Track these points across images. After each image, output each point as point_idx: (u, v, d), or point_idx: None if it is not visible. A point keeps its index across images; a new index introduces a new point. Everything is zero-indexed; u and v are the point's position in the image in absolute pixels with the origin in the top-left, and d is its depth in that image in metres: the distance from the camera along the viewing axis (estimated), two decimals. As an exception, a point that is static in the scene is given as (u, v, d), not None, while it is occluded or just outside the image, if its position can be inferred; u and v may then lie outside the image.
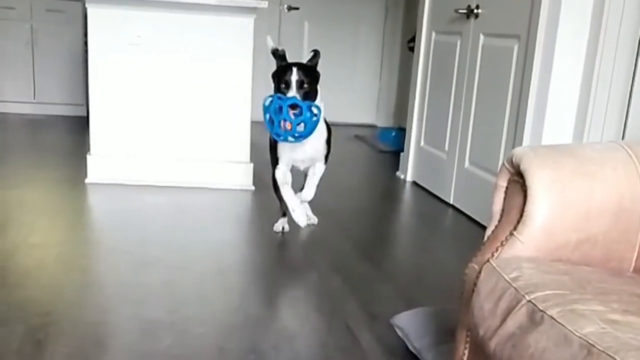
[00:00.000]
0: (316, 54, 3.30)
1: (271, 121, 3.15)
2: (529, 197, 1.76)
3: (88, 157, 4.52)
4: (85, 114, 5.95)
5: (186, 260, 3.24)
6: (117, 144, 4.54)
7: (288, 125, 3.11)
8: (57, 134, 6.37)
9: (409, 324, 2.49)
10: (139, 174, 4.53)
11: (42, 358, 2.31)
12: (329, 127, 3.46)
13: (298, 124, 3.13)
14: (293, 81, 3.11)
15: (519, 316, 1.54)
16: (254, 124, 4.59)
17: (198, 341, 2.47)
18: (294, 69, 3.13)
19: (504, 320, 1.58)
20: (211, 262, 3.23)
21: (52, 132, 6.45)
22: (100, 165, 4.51)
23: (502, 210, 1.87)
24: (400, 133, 5.86)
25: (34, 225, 3.72)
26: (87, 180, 4.50)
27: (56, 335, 2.47)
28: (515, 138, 3.73)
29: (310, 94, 3.16)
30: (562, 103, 3.45)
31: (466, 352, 1.87)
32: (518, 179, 1.81)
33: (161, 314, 2.67)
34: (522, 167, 1.78)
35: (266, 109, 3.15)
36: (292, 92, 3.09)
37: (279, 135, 3.17)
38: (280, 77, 3.15)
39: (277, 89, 3.16)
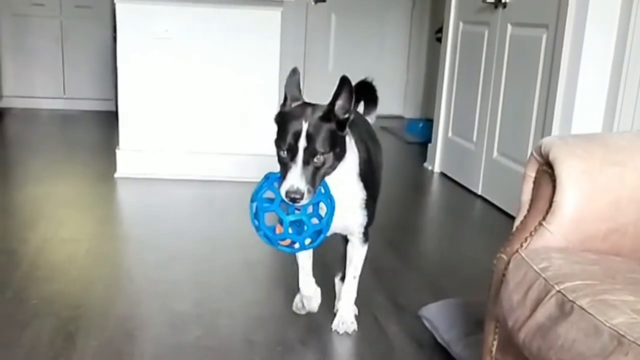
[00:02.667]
0: (344, 83, 1.95)
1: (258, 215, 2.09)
2: (558, 187, 1.73)
3: (117, 151, 4.56)
4: (114, 109, 6.00)
5: (214, 253, 3.25)
6: (146, 139, 4.57)
7: (287, 240, 2.08)
8: (87, 129, 6.43)
9: (437, 315, 2.48)
10: (167, 168, 4.56)
11: (73, 351, 2.33)
12: (373, 171, 2.31)
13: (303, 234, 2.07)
14: (300, 150, 1.90)
15: (549, 307, 1.52)
16: (279, 117, 4.59)
17: (226, 333, 2.48)
18: (304, 127, 1.91)
19: (533, 311, 1.56)
20: (238, 255, 3.23)
21: (81, 127, 6.52)
22: (129, 159, 4.54)
23: (531, 201, 1.85)
24: (427, 124, 5.82)
25: (64, 219, 3.76)
26: (116, 175, 4.54)
27: (86, 328, 2.49)
28: (544, 128, 3.68)
29: (330, 167, 2.00)
30: (592, 92, 3.41)
31: (495, 343, 1.85)
32: (547, 169, 1.79)
33: (189, 307, 2.69)
34: (551, 157, 1.76)
35: (253, 196, 2.08)
36: (295, 175, 1.90)
37: (270, 241, 2.10)
38: (280, 136, 1.96)
39: (278, 153, 1.98)
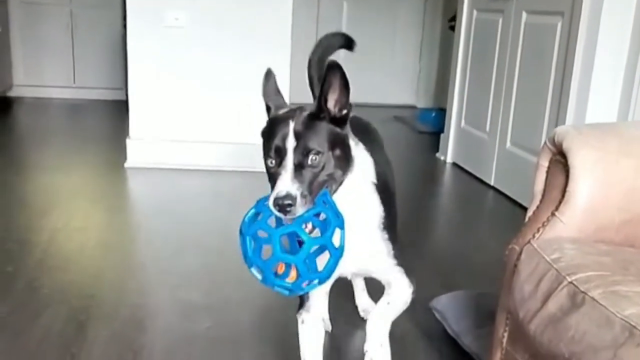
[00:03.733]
0: (331, 70, 1.53)
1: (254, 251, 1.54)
2: (571, 177, 1.72)
3: (127, 141, 4.56)
4: (124, 98, 6.00)
5: (224, 243, 3.24)
6: (157, 128, 4.57)
7: (292, 275, 1.52)
8: (97, 118, 6.44)
9: (447, 307, 2.46)
10: (177, 158, 4.56)
11: (84, 339, 2.34)
12: (388, 189, 1.83)
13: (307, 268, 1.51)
14: (289, 150, 1.50)
15: (560, 298, 1.51)
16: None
17: (236, 324, 2.47)
18: (291, 125, 1.52)
19: (544, 302, 1.55)
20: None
21: (91, 116, 6.53)
22: (140, 149, 4.55)
23: (544, 191, 1.83)
24: (440, 114, 5.80)
25: (75, 209, 3.77)
26: (126, 165, 4.54)
27: (98, 317, 2.50)
28: (558, 117, 3.65)
29: (332, 174, 1.55)
30: (607, 81, 3.37)
31: (505, 334, 1.84)
32: (560, 159, 1.77)
33: (199, 297, 2.69)
34: (564, 146, 1.74)
35: (243, 227, 1.56)
36: (285, 179, 1.47)
37: (271, 285, 1.54)
38: (265, 146, 1.57)
39: (266, 168, 1.56)
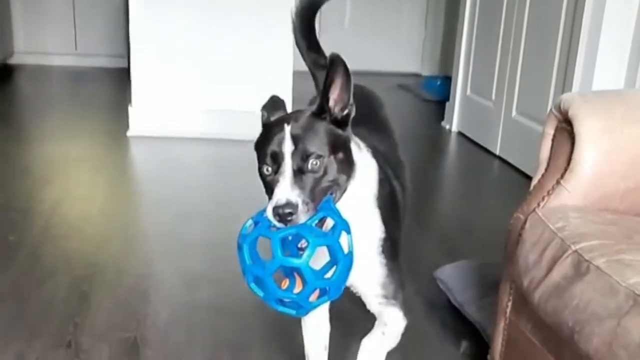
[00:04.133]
0: (335, 65, 1.41)
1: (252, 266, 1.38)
2: (577, 145, 1.69)
3: (129, 109, 4.53)
4: (126, 66, 5.95)
5: (226, 213, 3.23)
6: (159, 96, 4.54)
7: (297, 288, 1.36)
8: (99, 86, 6.39)
9: (451, 277, 2.46)
10: (180, 126, 4.53)
11: (88, 308, 2.34)
12: (393, 198, 1.68)
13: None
14: (286, 155, 1.37)
15: (565, 267, 1.50)
16: (296, 73, 4.53)
17: (240, 294, 2.44)
18: (287, 129, 1.39)
19: (549, 271, 1.54)
20: (250, 215, 3.20)
21: (93, 84, 6.48)
22: (142, 117, 4.52)
23: (549, 159, 1.81)
24: (445, 82, 5.74)
25: (77, 178, 3.77)
26: (128, 133, 4.51)
27: (101, 286, 2.50)
28: (565, 85, 3.61)
29: (335, 181, 1.41)
30: (614, 47, 3.32)
31: (509, 304, 1.83)
32: (566, 126, 1.74)
33: (203, 267, 2.69)
34: (570, 114, 1.71)
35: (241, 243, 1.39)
36: (284, 186, 1.33)
37: (274, 302, 1.38)
38: (259, 154, 1.43)
39: (262, 177, 1.42)
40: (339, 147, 1.42)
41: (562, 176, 1.73)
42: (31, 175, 3.74)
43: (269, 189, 1.38)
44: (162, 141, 4.45)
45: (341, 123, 1.44)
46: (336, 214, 1.36)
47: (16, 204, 3.26)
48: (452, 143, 4.90)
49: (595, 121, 1.70)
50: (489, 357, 1.94)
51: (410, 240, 2.97)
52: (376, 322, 1.64)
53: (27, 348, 2.09)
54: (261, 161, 1.40)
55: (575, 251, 1.49)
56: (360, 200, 1.50)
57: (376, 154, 1.61)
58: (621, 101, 1.84)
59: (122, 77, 6.11)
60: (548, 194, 1.75)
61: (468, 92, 4.93)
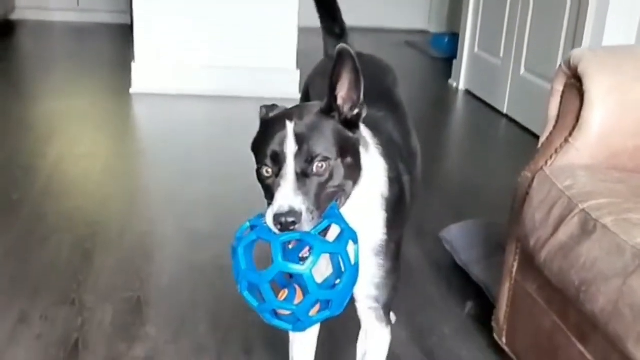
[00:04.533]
0: (343, 58, 1.25)
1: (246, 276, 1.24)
2: (586, 102, 1.66)
3: (133, 65, 4.47)
4: (129, 22, 5.86)
5: (230, 172, 3.21)
6: (162, 52, 4.47)
7: (297, 296, 1.22)
8: (101, 43, 6.31)
9: (457, 237, 2.44)
10: (183, 83, 4.48)
11: (91, 267, 2.34)
12: (402, 197, 1.51)
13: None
14: (288, 156, 1.22)
15: (572, 225, 1.48)
16: (301, 29, 4.47)
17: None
18: (290, 126, 1.24)
19: (555, 229, 1.52)
20: (254, 174, 3.18)
21: (96, 40, 6.40)
22: (145, 74, 4.46)
23: (558, 116, 1.78)
24: (453, 39, 5.66)
25: (80, 135, 3.74)
26: (131, 90, 4.46)
27: (104, 245, 2.50)
28: (575, 41, 3.55)
29: (341, 186, 1.27)
30: (626, 1, 3.25)
31: (515, 264, 1.81)
32: (575, 83, 1.71)
33: (206, 226, 2.67)
34: (580, 70, 1.68)
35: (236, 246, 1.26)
36: (286, 191, 1.20)
37: (269, 314, 1.24)
38: (258, 154, 1.29)
39: (260, 179, 1.27)
40: (348, 151, 1.27)
41: (570, 134, 1.71)
42: (33, 133, 3.72)
43: (269, 192, 1.23)
44: (165, 98, 4.40)
45: (351, 124, 1.29)
46: (343, 222, 1.24)
47: (18, 161, 3.25)
48: (459, 101, 4.85)
49: (605, 78, 1.67)
50: (493, 317, 1.93)
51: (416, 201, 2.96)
52: (360, 335, 1.54)
53: (31, 305, 2.09)
54: (260, 162, 1.25)
55: (583, 210, 1.48)
56: (365, 203, 1.37)
57: (389, 145, 1.46)
58: (632, 57, 1.81)
59: (124, 34, 6.04)
60: (556, 152, 1.73)
61: (476, 49, 4.86)
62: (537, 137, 1.91)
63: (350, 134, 1.29)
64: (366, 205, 1.38)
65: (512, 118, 4.27)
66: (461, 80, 5.03)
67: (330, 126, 1.26)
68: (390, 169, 1.42)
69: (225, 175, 3.19)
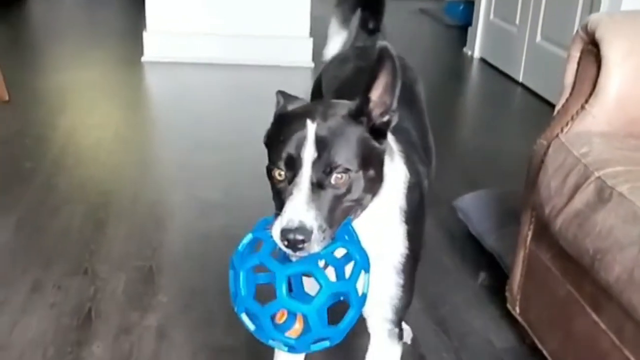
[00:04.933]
0: (384, 59, 1.12)
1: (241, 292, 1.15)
2: (604, 68, 1.63)
3: (144, 34, 4.45)
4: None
5: (242, 141, 3.20)
6: (174, 20, 4.44)
7: (296, 327, 1.14)
8: (113, 11, 6.28)
9: (471, 206, 2.42)
10: (195, 51, 4.45)
11: (103, 236, 2.34)
12: (421, 204, 1.40)
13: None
14: (305, 163, 1.09)
15: (587, 193, 1.46)
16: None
17: (253, 222, 2.44)
18: (311, 127, 1.11)
19: (571, 197, 1.50)
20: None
21: (107, 9, 6.36)
22: (157, 42, 4.44)
23: (574, 83, 1.75)
24: (468, 6, 5.59)
25: (92, 105, 3.73)
26: (143, 59, 4.44)
27: (116, 215, 2.50)
28: (592, 7, 3.49)
29: (359, 201, 1.15)
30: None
31: (530, 233, 1.79)
32: (592, 48, 1.67)
33: (216, 195, 2.67)
34: (597, 35, 1.64)
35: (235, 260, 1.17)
36: (297, 202, 1.07)
37: (267, 338, 1.14)
38: (272, 152, 1.16)
39: (271, 180, 1.15)
40: (371, 163, 1.14)
41: (586, 100, 1.68)
42: (45, 103, 3.71)
43: (278, 198, 1.11)
44: (176, 67, 4.38)
45: (379, 132, 1.15)
46: (356, 246, 1.13)
47: (30, 131, 3.24)
48: (474, 70, 4.80)
49: (623, 43, 1.63)
50: (507, 287, 1.92)
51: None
52: (369, 351, 1.42)
53: (44, 275, 2.10)
54: (272, 162, 1.13)
55: (599, 177, 1.45)
56: (383, 215, 1.24)
57: (409, 147, 1.35)
58: (651, 22, 1.76)
59: (136, 2, 5.98)
60: (572, 119, 1.70)
61: (491, 16, 4.79)
62: (552, 106, 1.88)
63: (377, 145, 1.15)
64: (385, 217, 1.25)
65: (528, 86, 4.22)
66: (476, 48, 4.97)
67: (356, 133, 1.13)
68: (411, 176, 1.30)
69: (237, 143, 3.18)
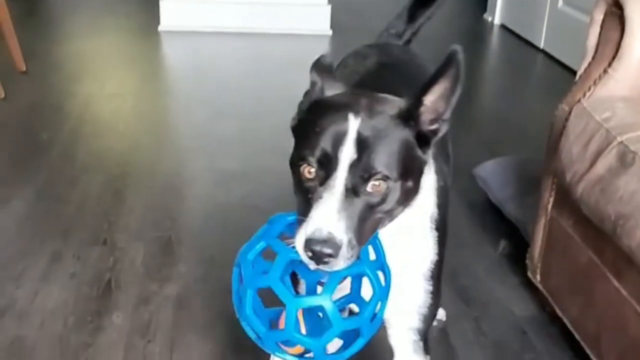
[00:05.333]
0: (451, 62, 1.04)
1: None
2: (627, 30, 1.59)
3: (161, 3, 4.41)
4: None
5: (260, 110, 3.19)
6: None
7: (298, 347, 1.06)
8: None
9: (491, 174, 2.39)
10: (212, 20, 4.41)
11: (122, 206, 2.35)
12: (445, 208, 1.27)
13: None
14: (341, 164, 0.97)
15: (609, 158, 1.44)
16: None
17: (271, 193, 2.44)
18: (352, 124, 0.98)
19: (593, 163, 1.48)
20: (285, 112, 3.11)
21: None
22: (174, 11, 4.40)
23: (597, 46, 1.71)
24: (488, -27, 5.51)
25: (109, 75, 3.73)
26: (160, 28, 4.41)
27: (135, 185, 2.50)
28: (615, -28, 3.41)
29: (391, 213, 1.03)
30: None
31: (551, 200, 1.78)
32: (616, 10, 1.64)
33: (235, 165, 2.66)
34: (621, -4, 1.61)
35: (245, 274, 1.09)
36: (329, 209, 0.95)
37: (262, 342, 1.07)
38: (302, 143, 1.03)
39: (297, 174, 1.02)
40: (411, 173, 1.03)
41: (609, 64, 1.64)
42: (62, 72, 3.70)
43: (304, 197, 1.00)
44: (193, 35, 4.35)
45: (424, 140, 1.04)
46: (377, 268, 1.04)
47: (48, 100, 3.25)
48: (495, 36, 4.74)
49: (649, 4, 1.59)
50: (528, 255, 1.90)
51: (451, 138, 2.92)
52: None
53: (64, 245, 2.11)
54: (302, 156, 1.00)
55: (621, 142, 1.43)
56: (414, 225, 1.15)
57: (436, 148, 1.19)
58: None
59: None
60: (594, 83, 1.67)
61: (512, -19, 4.72)
62: (574, 73, 1.85)
63: (420, 154, 1.04)
64: (415, 226, 1.16)
65: (549, 53, 4.16)
66: (497, 15, 4.90)
67: (402, 137, 1.01)
68: (440, 179, 1.21)
69: (254, 112, 3.17)
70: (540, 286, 1.84)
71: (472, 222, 2.33)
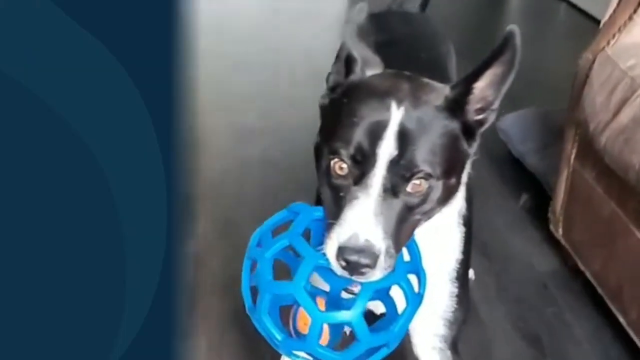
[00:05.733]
0: (508, 44, 0.98)
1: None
2: (655, -26, 1.54)
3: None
4: None
5: (279, 64, 3.15)
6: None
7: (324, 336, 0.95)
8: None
9: (512, 126, 2.35)
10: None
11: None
12: (472, 204, 1.16)
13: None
14: (380, 161, 0.86)
15: (634, 107, 1.40)
16: None
17: (290, 147, 2.43)
18: (395, 115, 0.87)
19: (617, 112, 1.44)
20: (303, 65, 3.11)
21: None
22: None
23: (622, -8, 1.66)
24: None
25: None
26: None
27: (152, 141, 2.48)
28: None
29: (430, 213, 0.93)
30: None
31: (574, 151, 1.74)
32: (643, -48, 1.59)
33: (253, 119, 2.64)
34: (648, -61, 1.55)
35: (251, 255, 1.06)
36: (365, 213, 0.85)
37: (276, 346, 0.98)
38: (335, 133, 0.91)
39: (326, 168, 0.92)
40: (455, 170, 0.93)
41: (635, 11, 1.60)
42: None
43: (334, 196, 0.89)
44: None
45: (469, 132, 0.95)
46: (409, 286, 0.93)
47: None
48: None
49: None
50: (550, 209, 1.87)
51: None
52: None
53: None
54: (333, 148, 0.88)
55: (647, 91, 1.39)
56: (444, 223, 1.06)
57: None
58: None
59: None
60: (619, 30, 1.62)
61: None
62: (598, 22, 1.79)
63: (466, 147, 0.94)
64: (445, 224, 1.07)
65: (572, 2, 4.06)
66: (518, -38, 4.78)
67: (448, 130, 0.90)
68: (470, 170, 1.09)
69: (272, 67, 3.13)
70: (562, 240, 1.81)
71: (493, 175, 2.29)
